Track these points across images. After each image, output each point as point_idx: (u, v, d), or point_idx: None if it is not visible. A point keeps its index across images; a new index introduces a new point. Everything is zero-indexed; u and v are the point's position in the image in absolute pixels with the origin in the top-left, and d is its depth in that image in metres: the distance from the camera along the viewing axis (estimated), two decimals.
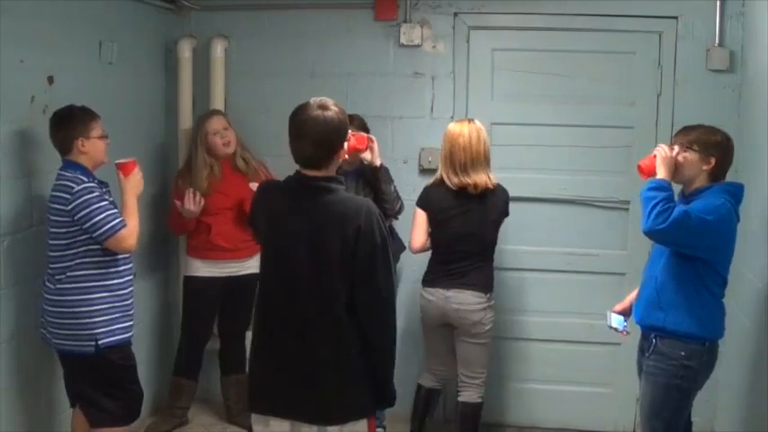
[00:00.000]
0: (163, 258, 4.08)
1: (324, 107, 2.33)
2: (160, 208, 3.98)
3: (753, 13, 3.54)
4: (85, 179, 2.84)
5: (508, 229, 3.89)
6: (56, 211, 2.83)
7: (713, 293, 2.76)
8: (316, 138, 2.31)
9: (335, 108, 2.35)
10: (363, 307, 2.35)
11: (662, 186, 2.68)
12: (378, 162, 3.50)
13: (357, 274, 2.32)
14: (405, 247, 3.82)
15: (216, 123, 3.77)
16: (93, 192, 2.82)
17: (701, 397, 3.78)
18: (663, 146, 2.81)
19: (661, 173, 2.73)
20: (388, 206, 3.55)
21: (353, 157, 3.44)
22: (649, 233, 2.66)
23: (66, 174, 2.86)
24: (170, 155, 4.11)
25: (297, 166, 2.42)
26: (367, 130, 3.69)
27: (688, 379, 2.76)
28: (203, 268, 3.82)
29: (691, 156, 2.76)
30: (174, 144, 4.09)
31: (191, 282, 3.85)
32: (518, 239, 3.92)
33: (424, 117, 3.99)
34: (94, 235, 2.82)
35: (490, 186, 3.33)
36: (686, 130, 2.84)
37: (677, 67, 3.76)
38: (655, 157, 2.79)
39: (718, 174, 2.78)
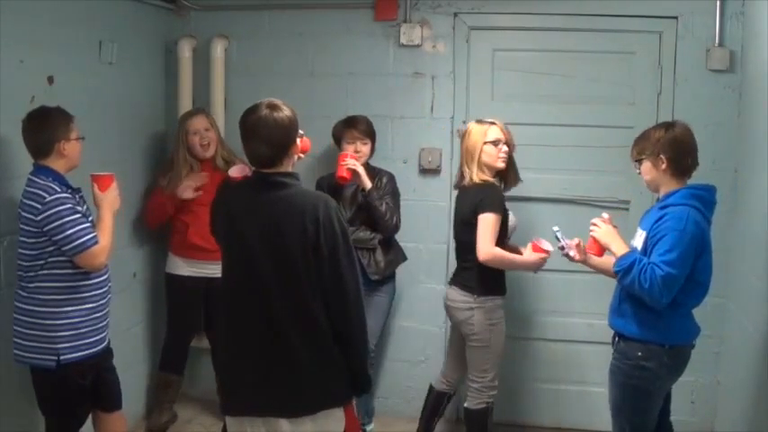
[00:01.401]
0: (159, 256, 4.06)
1: (273, 107, 2.36)
2: None
3: (753, 13, 3.54)
4: (58, 188, 2.71)
5: None
6: (25, 219, 2.71)
7: (678, 303, 2.68)
8: (267, 137, 2.33)
9: (285, 108, 2.38)
10: (330, 298, 2.36)
11: (626, 265, 2.65)
12: (368, 185, 3.53)
13: (321, 267, 2.33)
14: (405, 258, 3.83)
15: (197, 123, 3.77)
16: (65, 203, 2.69)
17: (701, 397, 3.81)
18: (594, 221, 2.82)
19: (617, 248, 2.73)
20: (381, 227, 3.59)
21: (345, 181, 3.50)
22: (661, 306, 2.64)
23: (38, 181, 2.72)
24: (169, 155, 4.10)
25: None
26: (373, 133, 3.71)
27: (646, 380, 2.73)
28: (184, 267, 3.83)
29: (644, 165, 2.76)
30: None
31: (171, 279, 3.87)
32: (518, 239, 3.90)
33: (424, 117, 3.99)
34: (64, 249, 2.70)
35: (465, 184, 3.33)
36: (634, 143, 2.83)
37: (677, 67, 3.76)
38: (595, 240, 2.81)
39: (680, 169, 2.72)
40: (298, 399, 2.38)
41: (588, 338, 3.94)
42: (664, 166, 2.72)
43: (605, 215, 2.87)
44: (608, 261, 2.90)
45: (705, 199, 2.72)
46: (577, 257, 2.99)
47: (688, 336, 2.79)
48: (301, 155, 2.58)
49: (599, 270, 3.01)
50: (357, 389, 2.51)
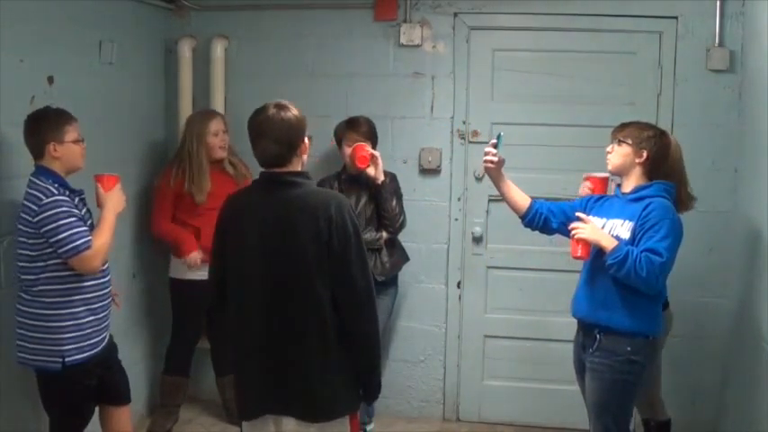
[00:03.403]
0: (159, 257, 4.05)
1: (281, 107, 2.38)
2: None
3: (753, 13, 3.54)
4: (55, 191, 2.70)
5: (508, 228, 3.90)
6: (23, 221, 2.71)
7: (660, 294, 2.80)
8: (277, 136, 2.35)
9: (293, 107, 2.40)
10: (342, 299, 2.36)
11: (621, 257, 2.64)
12: (381, 178, 3.52)
13: (333, 267, 2.33)
14: (408, 258, 3.83)
15: (217, 124, 3.77)
16: (61, 206, 2.67)
17: (701, 397, 3.81)
18: (574, 225, 2.78)
19: (607, 242, 2.70)
20: (388, 223, 3.59)
21: (358, 171, 3.49)
22: (657, 292, 2.73)
23: (37, 182, 2.72)
24: (170, 155, 4.10)
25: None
26: (375, 136, 3.70)
27: (634, 374, 2.77)
28: (189, 272, 3.79)
29: (623, 148, 2.81)
30: (174, 144, 4.07)
31: (176, 284, 3.84)
32: (518, 239, 3.91)
33: (424, 117, 3.99)
34: (59, 252, 2.69)
35: None
36: (622, 125, 2.88)
37: (677, 67, 3.76)
38: (578, 242, 2.76)
39: (652, 169, 2.80)
40: (311, 405, 2.39)
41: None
42: (640, 160, 2.79)
43: (581, 215, 2.84)
44: (519, 194, 3.04)
45: (672, 194, 2.81)
46: (492, 168, 2.98)
47: (661, 326, 2.87)
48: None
49: (504, 195, 3.06)
50: (368, 395, 2.50)
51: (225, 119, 3.85)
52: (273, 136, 2.35)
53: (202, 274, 3.77)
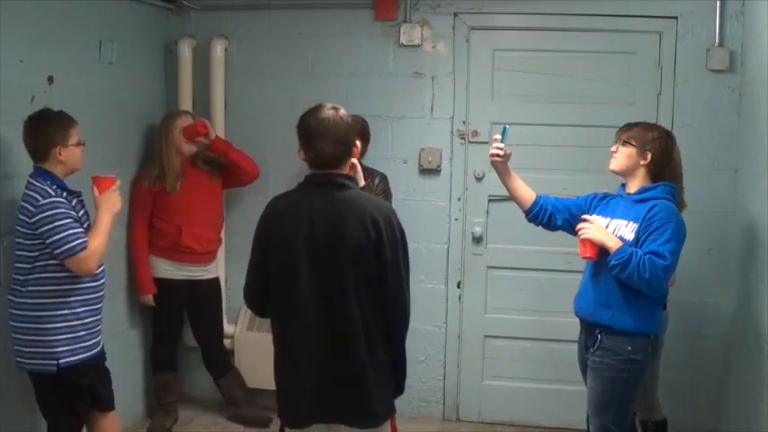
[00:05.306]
0: None
1: (336, 108, 2.39)
2: None
3: (753, 13, 3.54)
4: (53, 192, 2.71)
5: (508, 228, 3.91)
6: (21, 222, 2.72)
7: (663, 295, 2.83)
8: (336, 136, 2.35)
9: (343, 109, 2.42)
10: (389, 298, 2.38)
11: (625, 258, 2.66)
12: (361, 183, 3.52)
13: (384, 272, 2.34)
14: None
15: (183, 122, 3.77)
16: (58, 207, 2.69)
17: (701, 397, 3.81)
18: (581, 226, 2.80)
19: (613, 243, 2.71)
20: None
21: None
22: (660, 294, 2.76)
23: (35, 183, 2.73)
24: None
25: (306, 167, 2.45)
26: (368, 135, 3.69)
27: (635, 372, 2.80)
28: (172, 270, 3.79)
29: (628, 149, 2.82)
30: None
31: (158, 284, 3.80)
32: (518, 239, 3.92)
33: (424, 117, 3.99)
34: (54, 253, 2.69)
35: None
36: (627, 126, 2.89)
37: (677, 67, 3.76)
38: (584, 243, 2.78)
39: (656, 171, 2.81)
40: (367, 409, 2.40)
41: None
42: (645, 162, 2.80)
43: (586, 216, 2.87)
44: (524, 188, 3.05)
45: (674, 196, 2.83)
46: (498, 161, 3.00)
47: (661, 325, 2.91)
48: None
49: (509, 189, 3.07)
50: (398, 390, 2.56)
51: (195, 117, 3.84)
52: (333, 137, 2.35)
53: (176, 274, 3.78)
